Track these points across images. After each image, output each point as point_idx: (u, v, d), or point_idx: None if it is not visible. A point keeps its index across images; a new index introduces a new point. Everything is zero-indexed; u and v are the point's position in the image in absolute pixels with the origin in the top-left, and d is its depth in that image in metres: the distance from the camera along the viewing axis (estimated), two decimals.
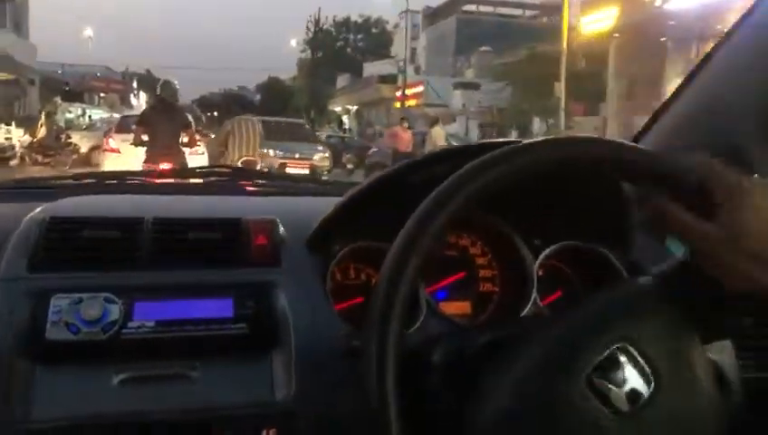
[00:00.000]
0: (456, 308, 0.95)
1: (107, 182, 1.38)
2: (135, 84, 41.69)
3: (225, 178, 1.48)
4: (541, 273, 0.96)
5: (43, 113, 16.08)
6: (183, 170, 2.82)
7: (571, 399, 0.58)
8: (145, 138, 6.00)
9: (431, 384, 0.68)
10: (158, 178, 1.59)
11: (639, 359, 0.59)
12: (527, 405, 0.60)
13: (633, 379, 0.59)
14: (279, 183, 1.57)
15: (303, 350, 0.81)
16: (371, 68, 37.75)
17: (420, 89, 28.91)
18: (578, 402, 0.58)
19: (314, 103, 42.04)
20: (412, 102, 28.03)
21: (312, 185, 1.85)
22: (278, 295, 0.86)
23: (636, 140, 1.13)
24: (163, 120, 6.00)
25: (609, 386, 0.58)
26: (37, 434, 0.73)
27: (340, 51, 47.14)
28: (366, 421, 0.57)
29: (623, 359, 0.59)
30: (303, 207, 1.08)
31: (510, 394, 0.61)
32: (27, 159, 14.10)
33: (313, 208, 0.97)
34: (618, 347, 0.59)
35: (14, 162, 13.60)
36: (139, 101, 39.12)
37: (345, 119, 41.61)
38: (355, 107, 40.03)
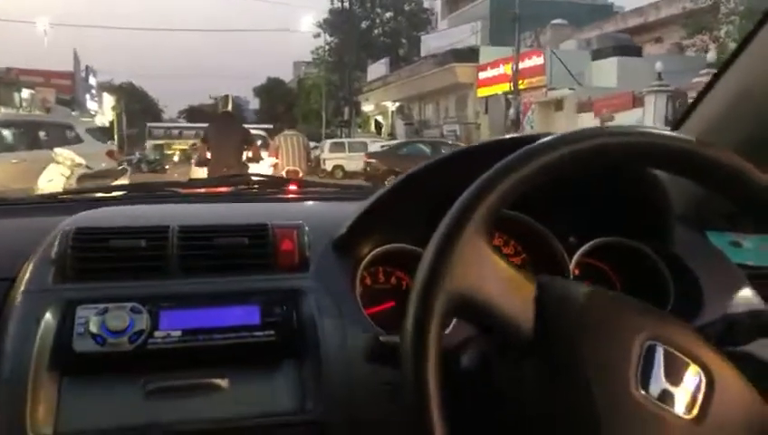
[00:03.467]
0: None
1: (132, 193, 1.40)
2: (93, 81, 30.48)
3: (250, 186, 1.49)
4: (577, 272, 0.95)
5: None
6: (207, 180, 2.64)
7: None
8: (208, 155, 5.76)
9: (462, 389, 0.64)
10: (184, 187, 1.54)
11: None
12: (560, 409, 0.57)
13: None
14: (304, 189, 1.54)
15: (333, 357, 0.80)
16: (429, 44, 27.44)
17: (538, 61, 18.46)
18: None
19: (346, 101, 31.76)
20: (521, 85, 17.85)
21: (337, 190, 1.66)
22: (306, 302, 0.85)
23: (675, 129, 1.11)
24: (225, 136, 5.70)
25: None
26: None
27: (366, 32, 36.67)
28: (402, 431, 0.56)
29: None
30: (329, 212, 1.10)
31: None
32: None
33: (340, 213, 0.97)
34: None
35: None
36: (102, 108, 28.69)
37: (380, 119, 31.71)
38: (395, 103, 29.91)
